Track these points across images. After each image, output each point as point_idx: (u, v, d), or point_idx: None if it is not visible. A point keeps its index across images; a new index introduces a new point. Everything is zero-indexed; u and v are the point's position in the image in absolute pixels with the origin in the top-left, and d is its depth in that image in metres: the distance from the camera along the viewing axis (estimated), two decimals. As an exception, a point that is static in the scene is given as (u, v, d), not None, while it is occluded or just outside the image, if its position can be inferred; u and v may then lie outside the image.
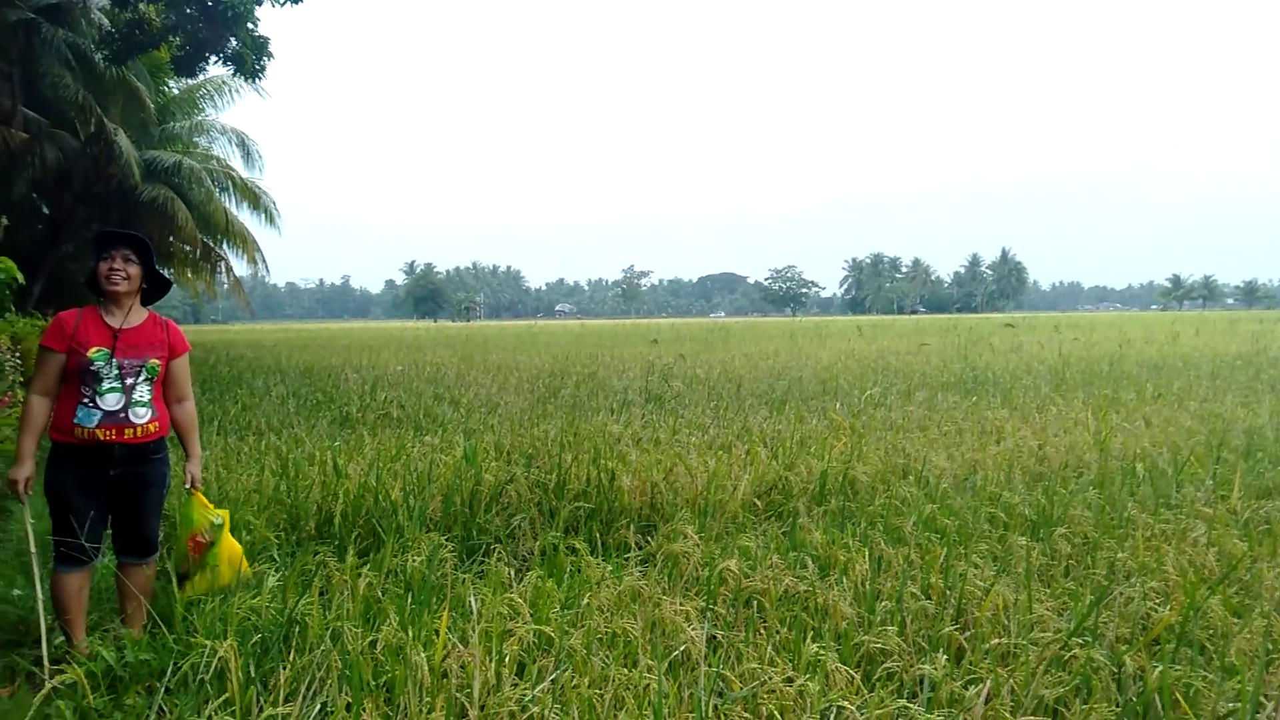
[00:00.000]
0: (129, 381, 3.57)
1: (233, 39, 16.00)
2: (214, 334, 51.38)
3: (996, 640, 3.27)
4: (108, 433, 3.52)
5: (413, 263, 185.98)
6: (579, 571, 4.19)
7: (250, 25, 15.66)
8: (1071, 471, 6.70)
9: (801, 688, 2.85)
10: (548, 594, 3.83)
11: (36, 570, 3.56)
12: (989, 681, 2.96)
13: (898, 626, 3.44)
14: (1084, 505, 5.31)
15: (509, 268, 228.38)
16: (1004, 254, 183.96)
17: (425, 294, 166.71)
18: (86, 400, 3.50)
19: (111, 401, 3.52)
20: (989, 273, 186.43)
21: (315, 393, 12.02)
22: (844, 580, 4.01)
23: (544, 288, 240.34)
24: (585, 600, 3.70)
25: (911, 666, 3.18)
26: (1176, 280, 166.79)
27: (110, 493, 3.63)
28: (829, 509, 5.43)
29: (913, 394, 11.34)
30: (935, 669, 3.02)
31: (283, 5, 15.79)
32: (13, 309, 10.98)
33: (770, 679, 2.98)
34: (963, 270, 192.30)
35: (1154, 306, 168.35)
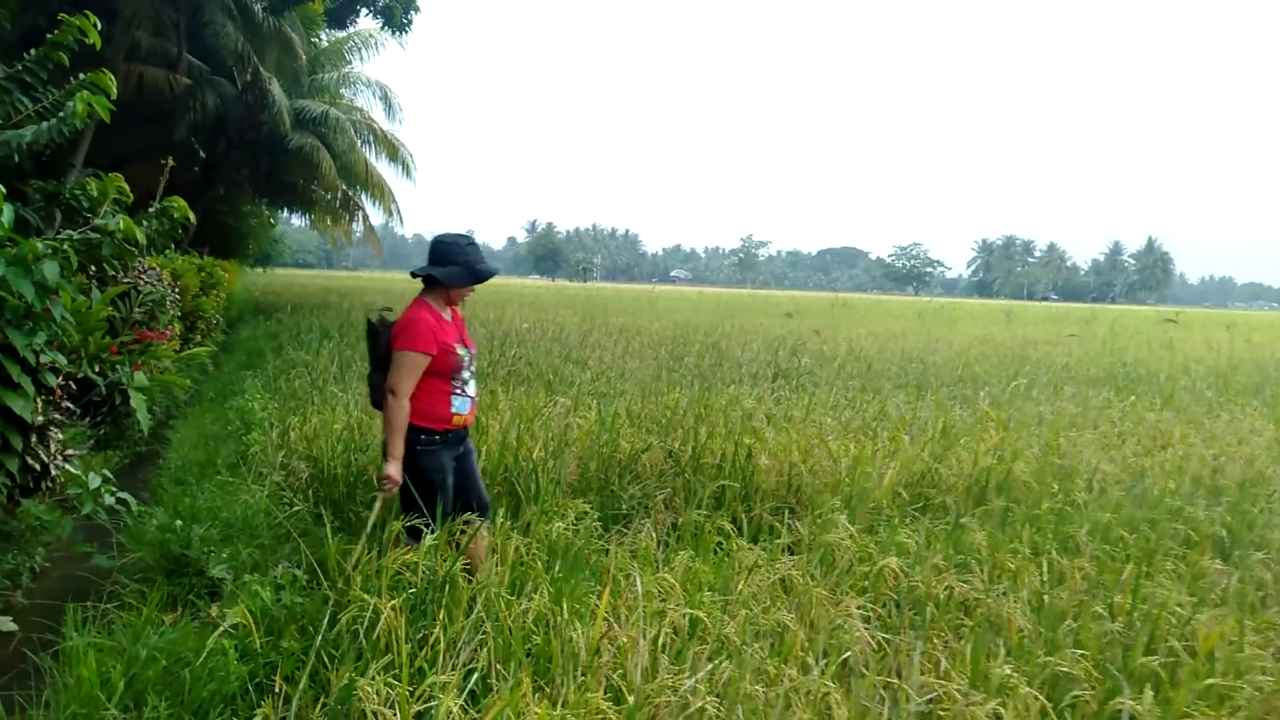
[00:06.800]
0: (473, 368, 3.85)
1: (384, -8, 16.36)
2: (347, 280, 53.53)
3: (1212, 680, 2.93)
4: (471, 416, 3.86)
5: (534, 221, 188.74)
6: (727, 554, 4.02)
7: (402, -21, 15.96)
8: (1254, 487, 6.09)
9: (995, 711, 2.60)
10: (696, 576, 3.69)
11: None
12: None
13: (1089, 651, 3.13)
14: (1281, 528, 4.79)
15: (627, 231, 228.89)
16: (1150, 242, 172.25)
17: (545, 253, 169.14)
18: (458, 390, 3.76)
19: (473, 389, 3.84)
20: (1131, 262, 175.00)
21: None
22: (1014, 590, 3.71)
23: (660, 253, 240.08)
24: (740, 587, 3.53)
25: (1105, 697, 2.88)
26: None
27: (457, 470, 3.86)
28: (989, 509, 5.07)
29: (1060, 388, 10.66)
30: (1141, 705, 2.71)
31: (433, -41, 15.98)
32: (172, 247, 11.51)
33: (950, 695, 2.74)
34: (1102, 258, 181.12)
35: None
